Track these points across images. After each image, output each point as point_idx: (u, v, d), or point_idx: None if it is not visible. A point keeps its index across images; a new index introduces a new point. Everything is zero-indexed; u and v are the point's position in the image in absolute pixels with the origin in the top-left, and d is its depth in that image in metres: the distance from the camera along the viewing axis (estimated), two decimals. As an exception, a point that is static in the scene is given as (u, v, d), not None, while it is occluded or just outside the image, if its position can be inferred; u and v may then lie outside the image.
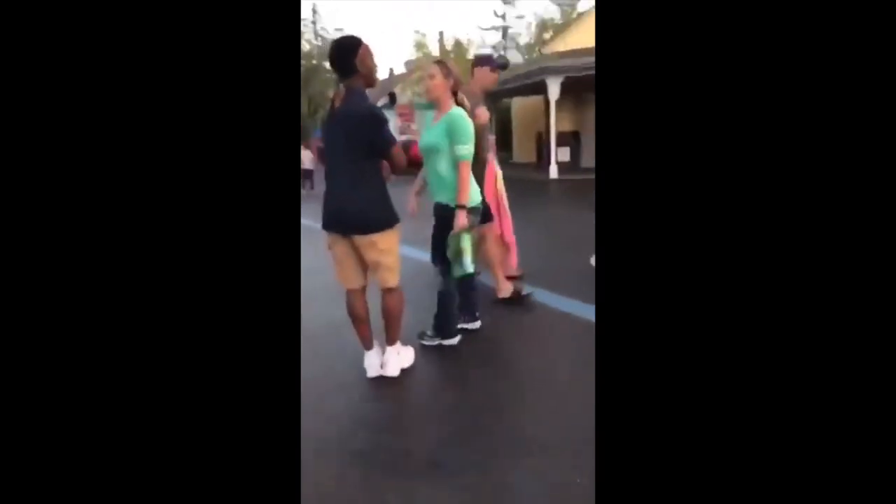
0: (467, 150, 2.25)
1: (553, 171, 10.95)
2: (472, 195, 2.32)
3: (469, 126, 2.25)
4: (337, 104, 2.05)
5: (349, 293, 2.24)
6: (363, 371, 2.32)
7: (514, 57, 21.39)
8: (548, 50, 16.21)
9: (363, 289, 2.26)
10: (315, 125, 22.32)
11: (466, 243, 2.24)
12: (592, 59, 3.79)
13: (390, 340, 2.31)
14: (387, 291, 2.22)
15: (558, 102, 10.94)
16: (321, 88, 21.15)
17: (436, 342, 2.59)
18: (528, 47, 24.97)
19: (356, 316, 2.25)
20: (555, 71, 10.38)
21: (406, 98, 19.40)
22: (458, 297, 2.53)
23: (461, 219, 2.24)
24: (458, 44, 23.03)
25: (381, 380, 2.28)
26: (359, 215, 2.06)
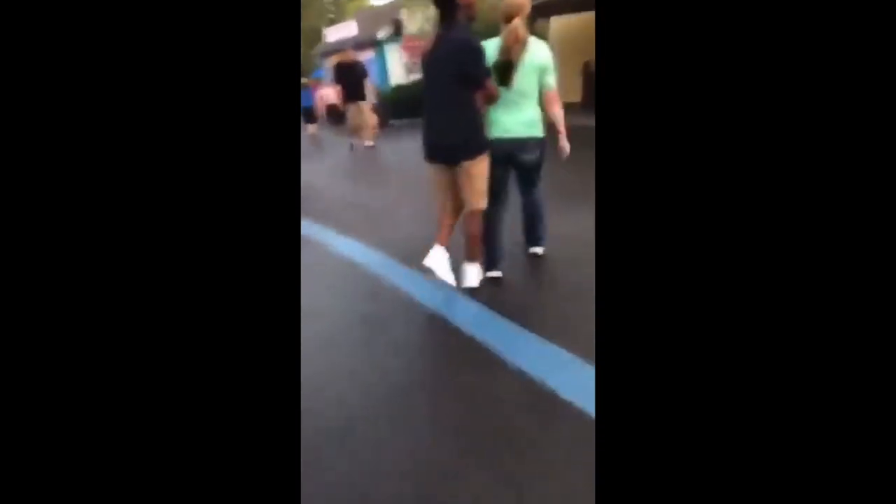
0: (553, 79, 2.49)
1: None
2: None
3: None
4: (438, 38, 2.28)
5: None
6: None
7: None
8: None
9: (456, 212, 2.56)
10: (315, 63, 19.72)
11: None
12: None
13: (471, 257, 2.54)
14: (472, 214, 2.45)
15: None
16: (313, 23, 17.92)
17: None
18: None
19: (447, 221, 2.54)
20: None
21: (416, 26, 15.63)
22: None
23: (564, 143, 2.59)
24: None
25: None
26: (456, 144, 2.33)
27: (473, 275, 2.56)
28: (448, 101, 2.28)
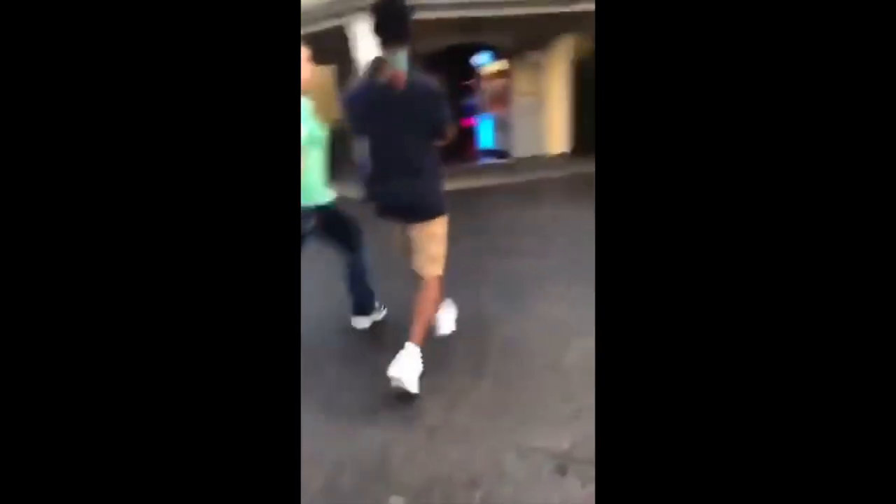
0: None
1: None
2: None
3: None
4: (385, 77, 1.78)
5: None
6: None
7: None
8: None
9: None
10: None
11: None
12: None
13: (416, 336, 1.99)
14: (427, 279, 2.05)
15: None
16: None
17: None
18: None
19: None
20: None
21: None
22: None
23: None
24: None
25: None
26: (418, 202, 1.97)
27: (412, 366, 1.92)
28: (410, 153, 1.88)
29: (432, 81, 1.82)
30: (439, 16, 6.02)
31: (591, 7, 6.54)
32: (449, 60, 8.49)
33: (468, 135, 9.41)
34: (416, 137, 1.86)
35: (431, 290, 2.05)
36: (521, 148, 8.40)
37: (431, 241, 2.01)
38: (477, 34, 7.46)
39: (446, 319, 2.38)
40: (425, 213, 1.98)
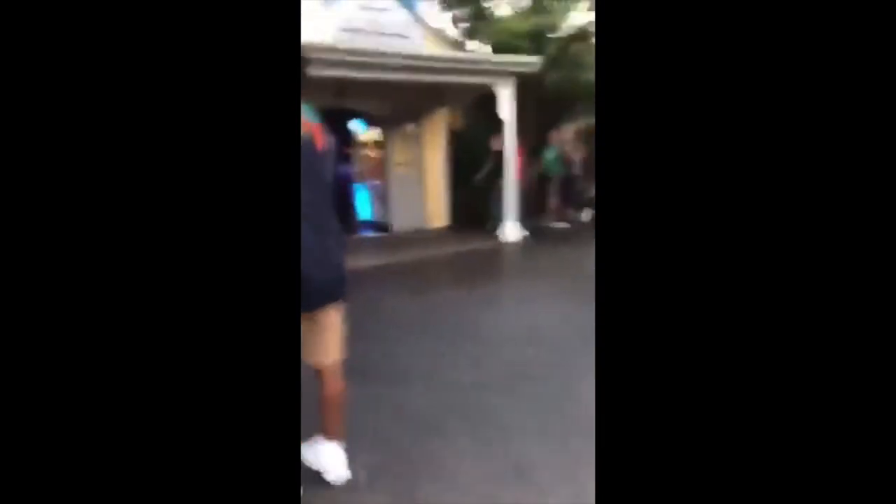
0: None
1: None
2: None
3: None
4: (307, 133, 1.61)
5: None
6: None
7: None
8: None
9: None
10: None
11: None
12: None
13: (330, 432, 1.88)
14: (334, 370, 1.85)
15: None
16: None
17: None
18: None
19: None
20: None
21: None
22: None
23: None
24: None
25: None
26: (340, 278, 1.77)
27: (338, 460, 1.88)
28: (332, 223, 1.74)
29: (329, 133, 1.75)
30: (310, 73, 5.41)
31: (464, 80, 6.80)
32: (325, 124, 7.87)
33: (348, 204, 8.79)
34: (329, 197, 1.74)
35: (334, 379, 1.87)
36: (400, 221, 7.92)
37: (335, 326, 1.85)
38: (352, 100, 6.99)
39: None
40: (342, 291, 1.80)
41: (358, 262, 5.79)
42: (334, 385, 1.87)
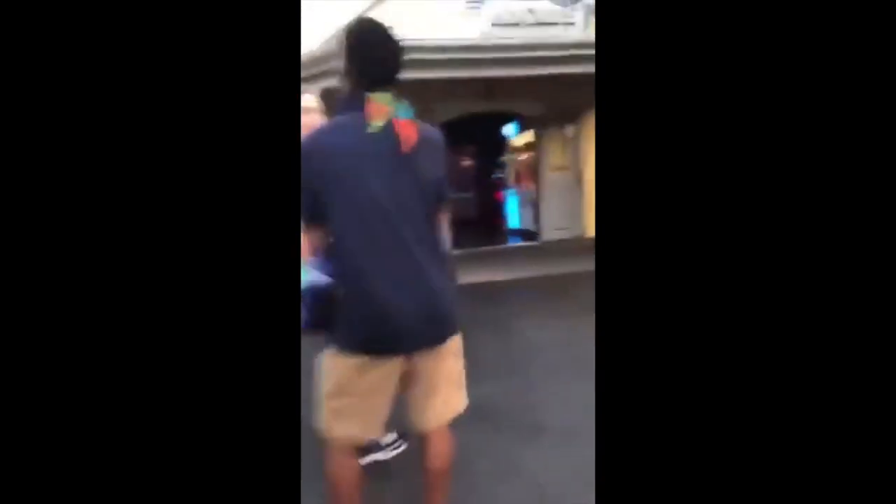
0: None
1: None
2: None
3: None
4: (370, 120, 1.23)
5: (343, 453, 1.34)
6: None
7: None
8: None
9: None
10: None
11: None
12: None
13: None
14: (443, 430, 1.40)
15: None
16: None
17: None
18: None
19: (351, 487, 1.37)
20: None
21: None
22: None
23: None
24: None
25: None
26: (440, 314, 1.27)
27: None
28: (417, 239, 1.25)
29: (437, 131, 1.41)
30: (452, 75, 5.12)
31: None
32: (473, 130, 7.64)
33: (497, 211, 8.47)
34: (424, 214, 1.31)
35: (447, 444, 1.43)
36: (551, 228, 7.26)
37: (457, 362, 1.41)
38: (501, 101, 6.58)
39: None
40: (452, 326, 1.33)
41: (496, 274, 5.28)
42: (444, 449, 1.40)
